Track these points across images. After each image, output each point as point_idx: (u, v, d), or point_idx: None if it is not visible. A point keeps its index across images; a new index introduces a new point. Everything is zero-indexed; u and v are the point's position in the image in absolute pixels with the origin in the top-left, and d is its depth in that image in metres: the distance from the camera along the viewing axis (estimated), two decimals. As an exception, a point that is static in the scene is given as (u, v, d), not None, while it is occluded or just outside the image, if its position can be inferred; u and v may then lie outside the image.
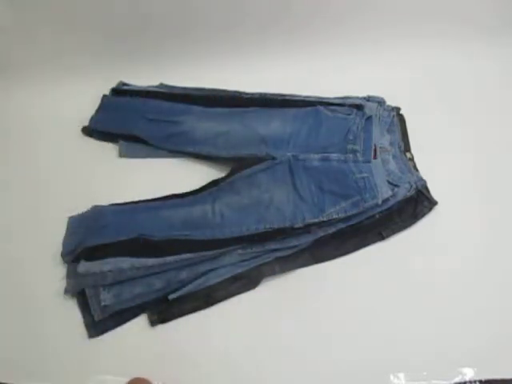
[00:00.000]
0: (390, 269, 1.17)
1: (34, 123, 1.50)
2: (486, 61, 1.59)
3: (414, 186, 1.25)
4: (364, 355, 1.05)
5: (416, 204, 1.26)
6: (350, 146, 1.29)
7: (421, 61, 1.60)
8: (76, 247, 1.17)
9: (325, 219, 1.17)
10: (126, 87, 1.57)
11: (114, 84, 1.57)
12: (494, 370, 1.02)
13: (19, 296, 1.15)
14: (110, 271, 1.11)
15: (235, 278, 1.14)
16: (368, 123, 1.34)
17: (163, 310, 1.10)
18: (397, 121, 1.43)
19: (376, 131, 1.35)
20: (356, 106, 1.39)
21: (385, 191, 1.21)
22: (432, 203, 1.26)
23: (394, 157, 1.33)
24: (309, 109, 1.40)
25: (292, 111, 1.41)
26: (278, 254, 1.17)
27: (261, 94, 1.48)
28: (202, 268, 1.13)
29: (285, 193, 1.24)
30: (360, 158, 1.26)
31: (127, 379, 0.97)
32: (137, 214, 1.25)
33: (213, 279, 1.13)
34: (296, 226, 1.16)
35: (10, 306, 1.14)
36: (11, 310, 1.13)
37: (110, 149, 1.44)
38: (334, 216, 1.17)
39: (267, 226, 1.17)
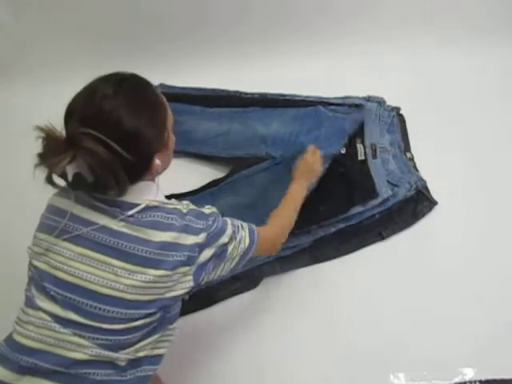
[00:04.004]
0: (390, 269, 1.17)
1: (36, 123, 1.50)
2: (487, 62, 1.59)
3: (414, 185, 1.25)
4: (364, 355, 1.05)
5: (416, 204, 1.26)
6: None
7: (421, 61, 1.60)
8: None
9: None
10: (126, 87, 1.57)
11: (114, 84, 1.57)
12: (494, 370, 1.02)
13: (20, 296, 1.14)
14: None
15: (235, 278, 1.14)
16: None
17: (163, 309, 1.10)
18: (397, 121, 1.43)
19: (376, 131, 1.35)
20: (356, 106, 1.39)
21: (385, 191, 1.22)
22: (432, 203, 1.26)
23: (394, 157, 1.33)
24: (309, 109, 1.40)
25: (292, 111, 1.41)
26: (278, 254, 1.17)
27: (261, 94, 1.48)
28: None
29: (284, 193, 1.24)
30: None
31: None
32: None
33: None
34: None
35: (10, 307, 1.13)
36: (12, 310, 1.12)
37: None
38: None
39: (267, 226, 1.17)
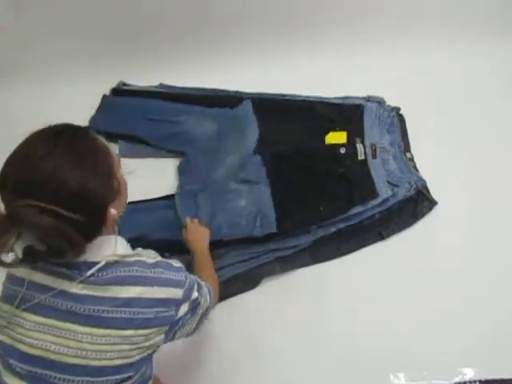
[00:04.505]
0: (390, 269, 1.17)
1: (36, 123, 1.49)
2: (487, 62, 1.59)
3: (414, 185, 1.25)
4: (364, 355, 1.05)
5: (416, 204, 1.26)
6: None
7: (421, 61, 1.60)
8: (76, 247, 1.17)
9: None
10: (126, 87, 1.57)
11: (114, 84, 1.57)
12: (494, 370, 1.02)
13: None
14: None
15: (235, 278, 1.15)
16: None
17: (163, 309, 1.10)
18: (397, 121, 1.43)
19: (376, 131, 1.35)
20: (356, 106, 1.39)
21: (385, 191, 1.22)
22: (432, 203, 1.26)
23: (394, 157, 1.33)
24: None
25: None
26: (278, 254, 1.17)
27: (261, 94, 1.48)
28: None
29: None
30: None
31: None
32: (136, 213, 1.25)
33: (213, 279, 1.14)
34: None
35: None
36: None
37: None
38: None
39: (267, 226, 1.17)
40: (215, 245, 1.14)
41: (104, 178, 0.63)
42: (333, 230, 1.19)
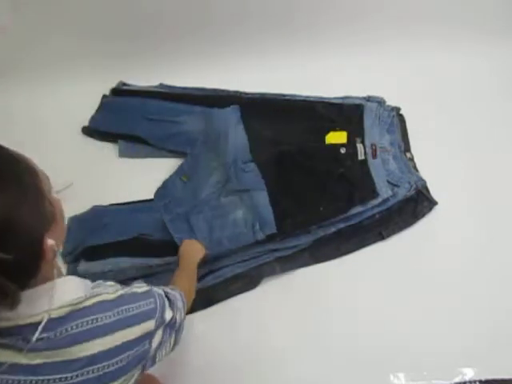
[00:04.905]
0: (390, 269, 1.17)
1: (35, 123, 1.50)
2: (487, 62, 1.59)
3: (414, 185, 1.25)
4: (364, 355, 1.05)
5: (416, 204, 1.26)
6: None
7: (421, 61, 1.60)
8: (76, 247, 1.17)
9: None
10: (125, 87, 1.57)
11: (113, 84, 1.57)
12: (494, 370, 1.02)
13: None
14: (110, 271, 1.11)
15: (235, 278, 1.15)
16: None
17: (163, 309, 1.10)
18: (397, 121, 1.42)
19: (376, 131, 1.35)
20: (356, 106, 1.39)
21: (385, 191, 1.22)
22: (432, 203, 1.26)
23: (394, 157, 1.33)
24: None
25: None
26: (278, 254, 1.17)
27: (261, 94, 1.48)
28: (203, 268, 1.13)
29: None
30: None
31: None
32: (136, 213, 1.25)
33: (213, 279, 1.14)
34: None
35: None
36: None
37: (110, 149, 1.44)
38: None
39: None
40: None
41: (32, 200, 0.52)
42: (333, 230, 1.19)
